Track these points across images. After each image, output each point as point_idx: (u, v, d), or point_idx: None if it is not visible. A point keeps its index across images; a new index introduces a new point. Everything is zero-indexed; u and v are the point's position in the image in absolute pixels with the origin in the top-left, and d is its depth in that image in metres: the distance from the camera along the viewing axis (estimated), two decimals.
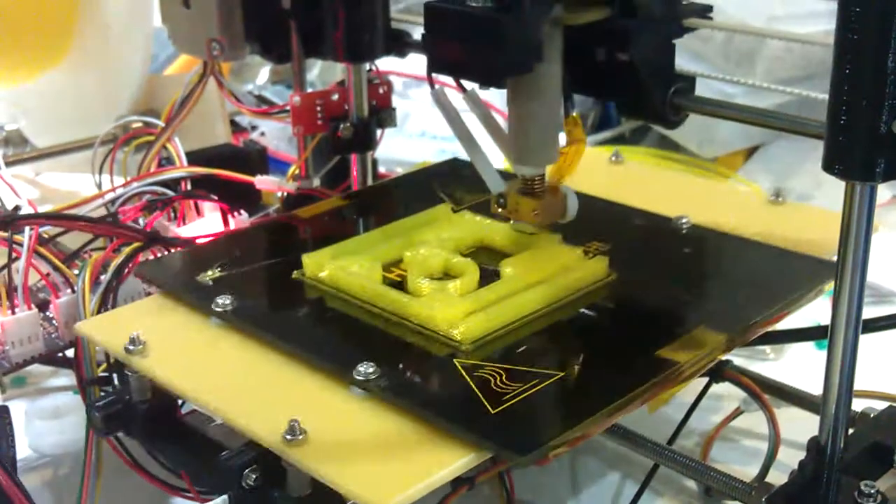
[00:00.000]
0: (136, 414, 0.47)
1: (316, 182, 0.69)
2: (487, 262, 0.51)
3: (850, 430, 0.43)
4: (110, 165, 0.71)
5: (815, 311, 0.50)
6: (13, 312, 0.52)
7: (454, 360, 0.44)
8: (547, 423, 0.40)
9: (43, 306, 0.54)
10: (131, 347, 0.46)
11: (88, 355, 0.50)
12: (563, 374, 0.43)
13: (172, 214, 0.61)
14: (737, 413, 0.57)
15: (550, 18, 0.45)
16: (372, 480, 0.37)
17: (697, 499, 0.55)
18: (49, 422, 0.61)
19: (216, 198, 0.61)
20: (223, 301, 0.48)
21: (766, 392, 0.52)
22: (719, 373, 0.53)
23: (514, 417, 0.40)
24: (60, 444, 0.59)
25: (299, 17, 0.63)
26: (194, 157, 0.66)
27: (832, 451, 0.42)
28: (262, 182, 0.65)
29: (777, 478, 0.47)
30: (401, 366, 0.44)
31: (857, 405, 0.46)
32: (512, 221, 0.52)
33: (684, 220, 0.57)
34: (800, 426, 0.50)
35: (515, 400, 0.41)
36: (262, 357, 0.46)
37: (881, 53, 0.35)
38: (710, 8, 0.50)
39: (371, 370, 0.42)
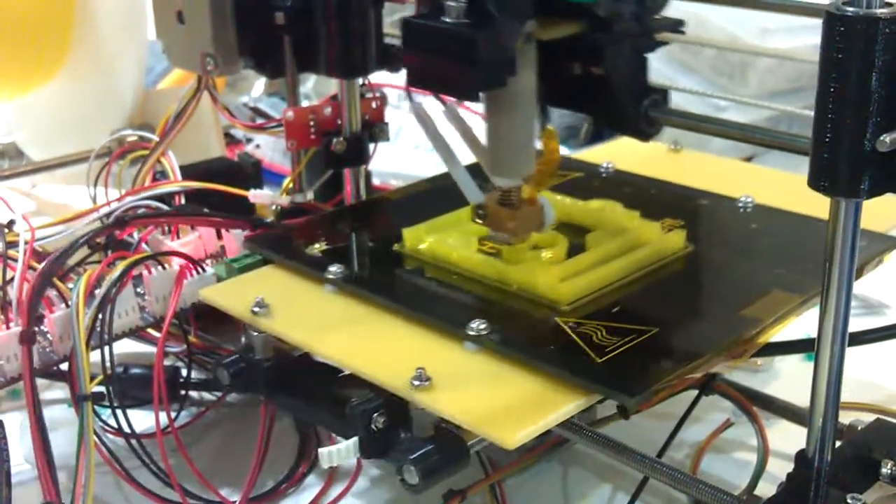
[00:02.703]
0: (260, 372, 0.51)
1: (309, 196, 0.69)
2: (570, 237, 0.55)
3: (838, 443, 0.44)
4: (105, 179, 0.71)
5: (807, 323, 0.50)
6: (8, 327, 0.52)
7: (556, 318, 0.48)
8: (650, 370, 0.44)
9: (38, 320, 0.54)
10: (257, 310, 0.50)
11: (82, 369, 0.50)
12: (657, 329, 0.47)
13: (167, 228, 0.62)
14: (726, 425, 0.58)
15: (524, 33, 0.46)
16: (496, 420, 0.42)
17: None
18: None
19: (209, 212, 0.62)
20: (335, 269, 0.53)
21: (754, 404, 0.53)
22: (709, 385, 0.53)
23: (619, 365, 0.44)
24: (55, 457, 0.59)
25: (292, 32, 0.63)
26: (188, 171, 0.67)
27: (819, 464, 0.42)
28: (256, 196, 0.65)
29: (766, 489, 0.47)
30: (508, 323, 0.48)
31: (845, 418, 0.46)
32: (489, 232, 0.53)
33: (748, 200, 0.61)
34: (789, 438, 0.50)
35: (617, 351, 0.45)
36: (376, 318, 0.51)
37: (865, 72, 0.36)
38: (681, 22, 0.51)
39: (483, 326, 0.47)
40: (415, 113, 0.51)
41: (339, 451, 0.45)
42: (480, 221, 0.52)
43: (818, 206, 0.57)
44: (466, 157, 0.53)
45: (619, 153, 0.70)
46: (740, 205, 0.61)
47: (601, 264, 0.52)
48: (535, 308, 0.50)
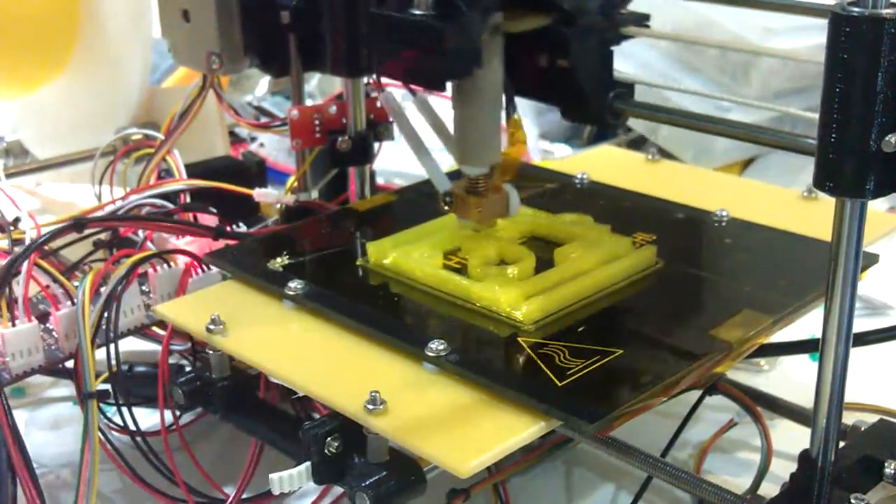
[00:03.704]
0: (216, 390, 0.50)
1: (314, 194, 0.69)
2: (539, 251, 0.54)
3: (842, 443, 0.44)
4: (110, 177, 0.71)
5: (811, 323, 0.50)
6: (13, 324, 0.52)
7: (518, 338, 0.47)
8: (611, 394, 0.43)
9: (43, 318, 0.55)
10: (212, 327, 0.49)
11: (88, 367, 0.50)
12: (621, 351, 0.46)
13: None
14: (730, 425, 0.58)
15: (491, 26, 0.47)
16: (451, 446, 0.41)
17: None
18: (48, 432, 0.62)
19: (215, 210, 0.62)
20: (295, 285, 0.51)
21: (758, 404, 0.53)
22: (713, 385, 0.53)
23: (580, 389, 0.43)
24: (59, 454, 0.60)
25: (298, 30, 0.63)
26: (193, 170, 0.67)
27: (823, 464, 0.42)
28: (261, 195, 0.65)
29: (770, 489, 0.47)
30: (468, 343, 0.47)
31: (849, 418, 0.46)
32: (457, 218, 0.53)
33: (723, 213, 0.60)
34: (793, 438, 0.50)
35: (579, 374, 0.44)
36: (335, 336, 0.49)
37: (871, 72, 0.36)
38: (647, 17, 0.51)
39: (442, 347, 0.45)
40: (384, 103, 0.52)
41: (291, 477, 0.43)
42: (448, 208, 0.53)
43: (797, 219, 0.58)
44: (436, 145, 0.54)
45: (596, 163, 0.69)
46: (715, 218, 0.59)
47: (568, 281, 0.51)
48: (497, 327, 0.48)
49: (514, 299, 0.49)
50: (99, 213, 0.60)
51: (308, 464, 0.44)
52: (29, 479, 0.48)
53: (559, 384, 0.43)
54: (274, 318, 0.51)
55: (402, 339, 0.47)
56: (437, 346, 0.45)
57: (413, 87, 0.51)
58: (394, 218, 0.62)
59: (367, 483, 0.42)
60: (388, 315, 0.50)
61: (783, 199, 0.64)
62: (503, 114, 0.51)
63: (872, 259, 0.54)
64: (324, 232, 0.61)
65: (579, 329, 0.48)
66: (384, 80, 0.49)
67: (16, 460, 0.47)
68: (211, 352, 0.50)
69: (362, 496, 0.42)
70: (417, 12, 0.46)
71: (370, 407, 0.42)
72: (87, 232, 0.58)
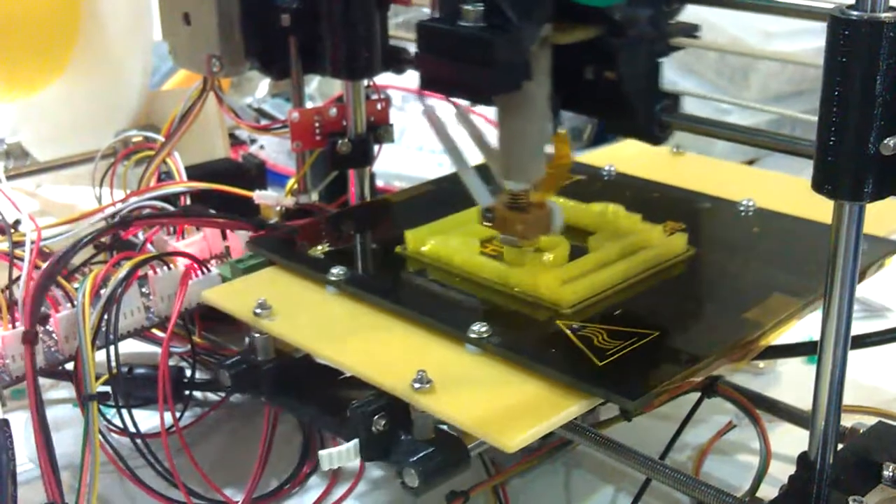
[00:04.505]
0: (262, 373, 0.52)
1: (314, 196, 0.70)
2: (572, 239, 0.55)
3: (840, 446, 0.44)
4: (111, 179, 0.71)
5: (809, 325, 0.50)
6: (14, 326, 0.52)
7: (557, 321, 0.49)
8: (651, 373, 0.44)
9: (43, 320, 0.55)
10: (260, 311, 0.51)
11: (88, 369, 0.50)
12: (658, 333, 0.47)
13: (172, 229, 0.62)
14: (729, 427, 0.58)
15: (540, 37, 0.46)
16: (496, 423, 0.42)
17: None
18: None
19: (215, 212, 0.62)
20: (337, 271, 0.53)
21: (757, 407, 0.53)
22: (712, 387, 0.53)
23: (620, 369, 0.44)
24: (59, 456, 0.59)
25: (298, 33, 0.64)
26: (194, 172, 0.67)
27: (821, 467, 0.42)
28: (261, 197, 0.65)
29: (768, 492, 0.47)
30: (509, 326, 0.48)
31: (847, 420, 0.46)
32: (500, 235, 0.53)
33: (750, 203, 0.61)
34: (791, 441, 0.50)
35: (618, 355, 0.45)
36: (378, 320, 0.51)
37: (869, 76, 0.36)
38: (697, 27, 0.50)
39: (484, 329, 0.47)
40: (426, 116, 0.51)
41: (340, 454, 0.45)
42: (489, 224, 0.53)
43: (819, 209, 0.58)
44: (475, 160, 0.53)
45: (621, 156, 0.70)
46: (742, 208, 0.61)
47: (603, 267, 0.52)
48: (536, 311, 0.50)
49: (551, 284, 0.50)
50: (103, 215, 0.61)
51: (356, 441, 0.45)
52: (53, 477, 0.49)
53: (599, 364, 0.45)
54: (317, 303, 0.53)
55: (445, 322, 0.49)
56: (479, 328, 0.47)
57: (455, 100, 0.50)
58: (430, 208, 0.62)
59: (416, 459, 0.44)
60: (429, 299, 0.52)
61: (804, 189, 0.64)
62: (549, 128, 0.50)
63: (894, 246, 0.55)
64: (362, 221, 0.63)
65: (616, 312, 0.49)
66: (425, 92, 0.48)
67: (42, 459, 0.48)
68: (257, 335, 0.51)
69: (410, 471, 0.43)
70: (466, 24, 0.45)
71: (417, 385, 0.44)
72: (84, 233, 0.59)
